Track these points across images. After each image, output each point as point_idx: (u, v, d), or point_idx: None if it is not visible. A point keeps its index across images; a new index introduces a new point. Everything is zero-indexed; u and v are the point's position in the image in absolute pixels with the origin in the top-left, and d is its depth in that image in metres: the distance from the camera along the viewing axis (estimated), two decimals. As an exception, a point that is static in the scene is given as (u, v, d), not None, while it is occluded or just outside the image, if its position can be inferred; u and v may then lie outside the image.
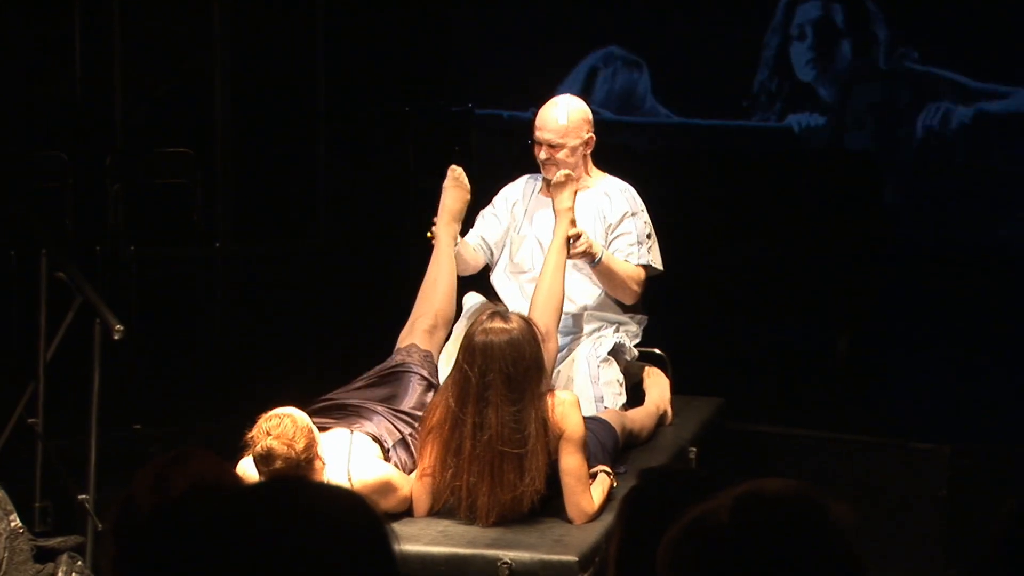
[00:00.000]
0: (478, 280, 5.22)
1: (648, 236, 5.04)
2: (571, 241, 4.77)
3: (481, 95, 8.62)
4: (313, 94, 8.19)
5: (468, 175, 5.08)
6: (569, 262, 4.82)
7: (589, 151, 5.04)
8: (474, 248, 5.12)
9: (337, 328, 7.41)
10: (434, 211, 5.04)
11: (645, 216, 5.06)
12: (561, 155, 4.93)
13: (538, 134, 4.97)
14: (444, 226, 4.96)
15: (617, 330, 5.03)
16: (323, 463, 3.98)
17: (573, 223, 4.79)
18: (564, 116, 4.97)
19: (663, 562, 1.69)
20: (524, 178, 5.20)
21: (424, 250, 5.04)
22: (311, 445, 3.86)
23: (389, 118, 8.25)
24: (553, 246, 4.78)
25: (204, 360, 7.14)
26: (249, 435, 3.86)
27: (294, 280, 7.77)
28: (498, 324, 4.05)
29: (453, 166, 5.08)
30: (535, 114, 5.06)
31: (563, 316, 4.81)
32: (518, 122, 8.59)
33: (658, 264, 5.07)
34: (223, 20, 7.72)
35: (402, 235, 7.90)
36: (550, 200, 4.96)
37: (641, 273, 5.00)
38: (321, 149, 8.23)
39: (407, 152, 8.13)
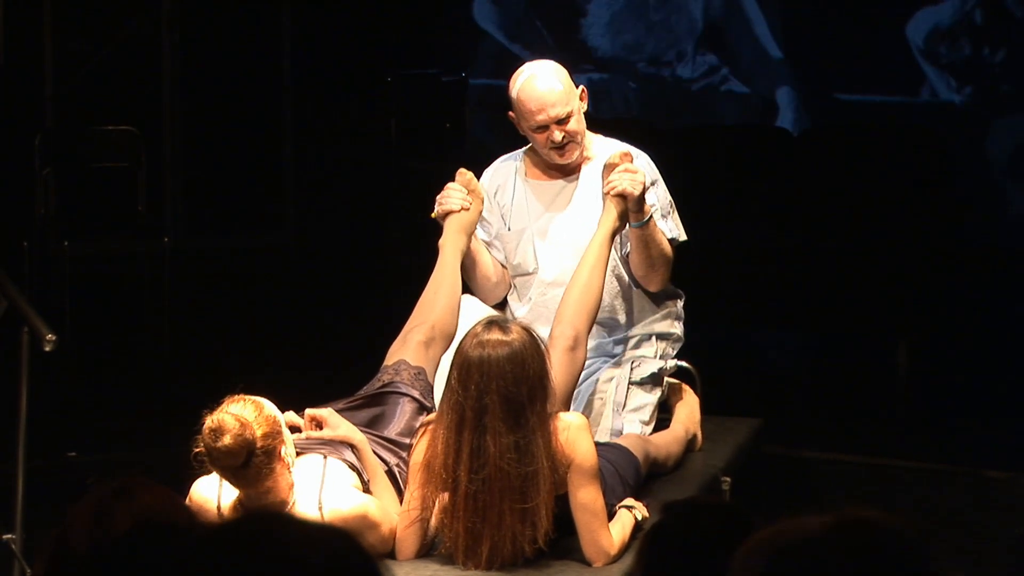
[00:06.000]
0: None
1: (671, 204, 4.96)
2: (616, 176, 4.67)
3: (477, 62, 8.64)
4: (278, 60, 8.20)
5: (460, 156, 5.06)
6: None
7: (585, 106, 4.95)
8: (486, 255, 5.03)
9: (308, 337, 7.41)
10: (423, 195, 4.99)
11: (663, 183, 4.98)
12: (572, 125, 4.82)
13: (542, 116, 4.78)
14: (451, 236, 4.83)
15: (664, 349, 4.96)
16: (291, 481, 3.99)
17: (621, 217, 4.71)
18: (555, 80, 4.82)
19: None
20: (497, 162, 5.07)
21: (411, 243, 5.02)
22: (273, 439, 3.87)
23: (369, 89, 8.26)
24: (597, 236, 4.71)
25: (150, 375, 7.15)
26: (206, 416, 3.90)
27: (256, 281, 7.77)
28: (496, 336, 4.04)
29: (462, 169, 4.97)
30: (518, 102, 4.90)
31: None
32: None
33: (682, 235, 5.00)
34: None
35: (385, 227, 7.91)
36: (542, 182, 4.93)
37: (671, 250, 4.93)
38: (288, 126, 8.24)
39: (389, 129, 8.14)
